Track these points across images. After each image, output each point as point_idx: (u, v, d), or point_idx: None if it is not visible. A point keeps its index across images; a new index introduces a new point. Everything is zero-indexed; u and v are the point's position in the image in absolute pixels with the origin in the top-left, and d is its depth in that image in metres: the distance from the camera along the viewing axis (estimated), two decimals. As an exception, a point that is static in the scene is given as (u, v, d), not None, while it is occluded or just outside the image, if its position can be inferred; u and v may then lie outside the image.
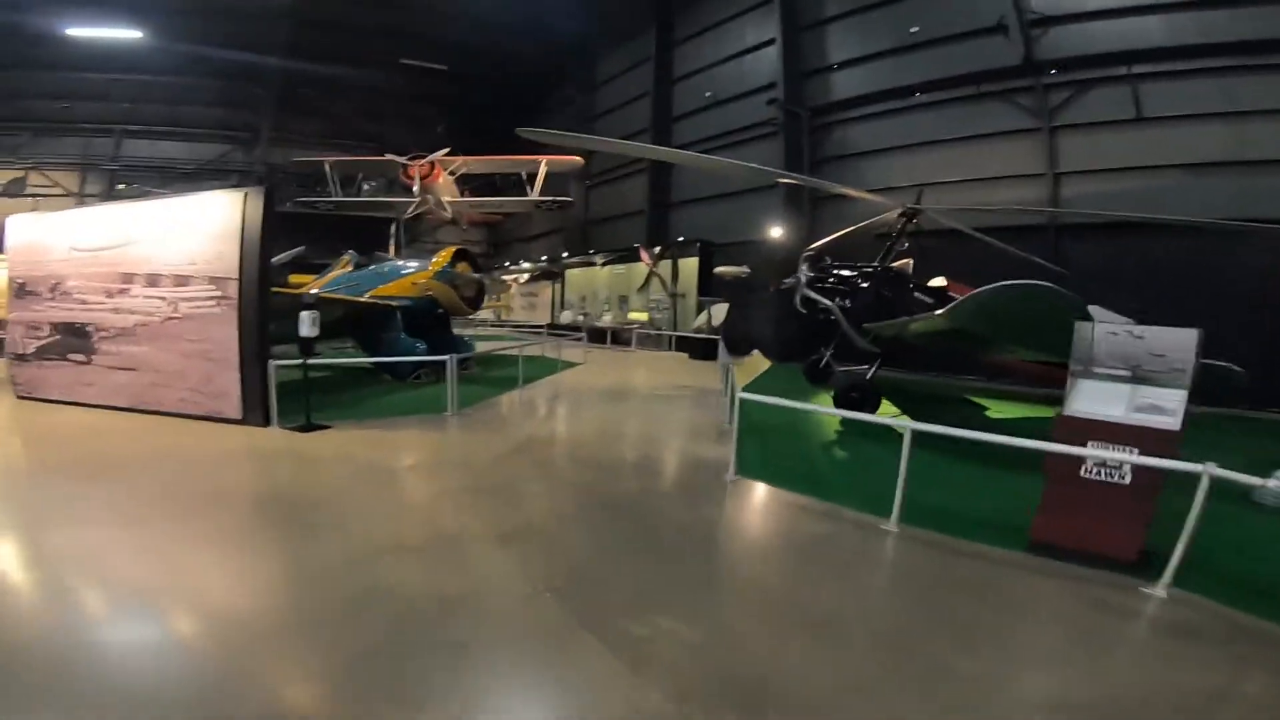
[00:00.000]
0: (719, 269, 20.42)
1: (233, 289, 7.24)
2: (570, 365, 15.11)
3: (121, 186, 31.09)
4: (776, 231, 20.25)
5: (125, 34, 26.12)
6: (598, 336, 24.27)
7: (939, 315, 7.36)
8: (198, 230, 7.51)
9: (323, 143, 32.59)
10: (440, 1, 28.60)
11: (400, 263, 12.77)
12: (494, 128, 33.93)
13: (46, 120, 30.48)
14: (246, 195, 7.27)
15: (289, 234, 27.16)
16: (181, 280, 7.63)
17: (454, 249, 12.07)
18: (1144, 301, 10.82)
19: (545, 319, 31.97)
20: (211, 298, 7.40)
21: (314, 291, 13.28)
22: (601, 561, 3.99)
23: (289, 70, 30.72)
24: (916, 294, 10.94)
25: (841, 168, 21.03)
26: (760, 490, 5.68)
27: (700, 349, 18.88)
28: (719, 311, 19.07)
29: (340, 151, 29.02)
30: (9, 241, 9.00)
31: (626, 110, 29.15)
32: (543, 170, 25.82)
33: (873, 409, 9.56)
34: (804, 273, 11.24)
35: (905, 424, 4.79)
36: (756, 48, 23.37)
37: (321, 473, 5.80)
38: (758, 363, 7.09)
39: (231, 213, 7.28)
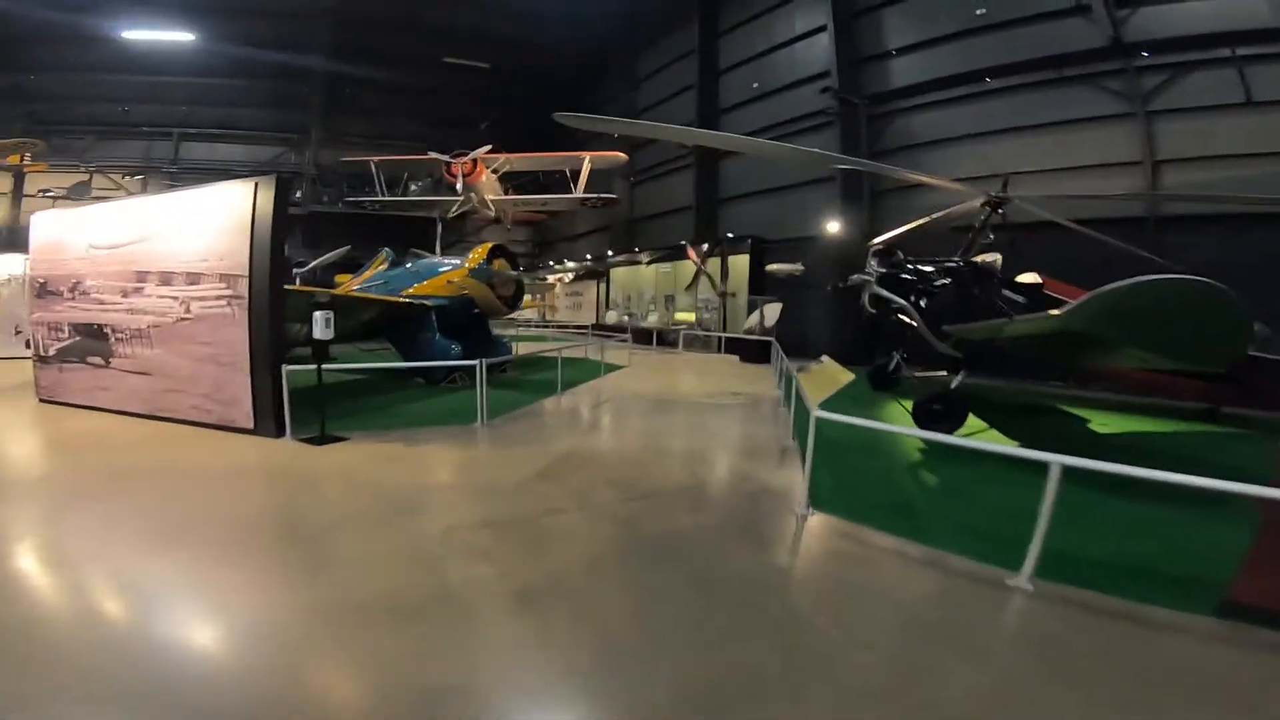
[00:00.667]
0: (771, 266, 19.17)
1: (243, 287, 6.60)
2: (614, 368, 14.22)
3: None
4: (834, 226, 18.88)
5: (178, 36, 26.69)
6: (643, 337, 23.37)
7: (1054, 316, 6.09)
8: (209, 224, 6.91)
9: (370, 143, 32.75)
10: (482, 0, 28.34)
11: (435, 261, 12.13)
12: (536, 126, 33.56)
13: (108, 124, 31.60)
14: (257, 185, 6.61)
15: (339, 234, 27.40)
16: (193, 278, 7.05)
17: (490, 246, 11.35)
18: (1262, 298, 9.28)
19: (590, 319, 31.36)
20: (222, 297, 6.78)
21: (344, 290, 12.84)
22: (645, 636, 3.02)
23: (334, 71, 31.05)
24: (1006, 292, 9.57)
25: (904, 159, 19.47)
26: (841, 529, 4.61)
27: (752, 351, 17.73)
28: (772, 311, 17.94)
29: (387, 151, 29.01)
30: (33, 239, 8.69)
31: (670, 104, 28.20)
32: (586, 167, 25.14)
33: (958, 423, 8.31)
34: (873, 268, 10.00)
35: (1052, 458, 3.64)
36: (806, 35, 22.06)
37: (322, 498, 5.03)
38: (832, 372, 5.97)
39: (242, 204, 6.64)
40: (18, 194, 29.27)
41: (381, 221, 30.38)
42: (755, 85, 23.99)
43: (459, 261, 11.39)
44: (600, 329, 28.12)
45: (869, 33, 20.28)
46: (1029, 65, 17.31)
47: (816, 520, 4.77)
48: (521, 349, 17.88)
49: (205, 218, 6.92)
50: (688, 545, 4.22)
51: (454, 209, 26.35)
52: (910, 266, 9.87)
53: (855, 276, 10.27)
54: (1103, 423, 9.78)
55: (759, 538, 4.48)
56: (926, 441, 6.66)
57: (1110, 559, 4.04)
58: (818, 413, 4.94)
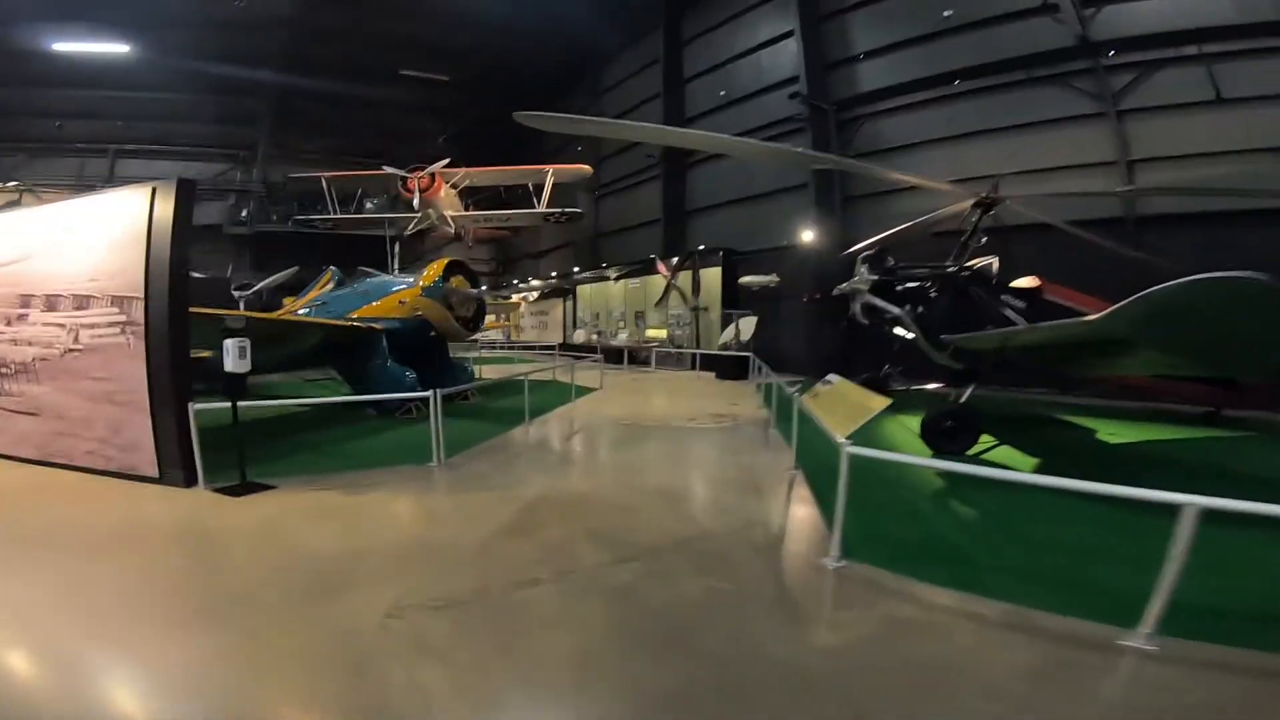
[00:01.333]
0: (744, 279, 18.60)
1: (138, 311, 5.45)
2: (585, 391, 13.24)
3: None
4: (807, 235, 18.36)
5: (113, 49, 25.04)
6: (614, 356, 22.46)
7: (1088, 321, 5.39)
8: (99, 238, 5.76)
9: (324, 160, 31.34)
10: (441, 10, 27.37)
11: (386, 279, 11.04)
12: (498, 140, 32.73)
13: (40, 140, 29.57)
14: (155, 190, 5.50)
15: (290, 255, 25.81)
16: (81, 302, 5.86)
17: (446, 262, 10.32)
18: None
19: (557, 338, 30.36)
20: (115, 323, 5.62)
21: (283, 314, 11.64)
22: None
23: (286, 84, 29.64)
24: (1005, 297, 8.97)
25: (875, 163, 19.11)
26: (885, 584, 3.73)
27: (729, 367, 16.97)
28: (747, 325, 17.24)
29: (341, 168, 27.68)
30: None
31: (636, 114, 27.56)
32: (549, 180, 24.29)
33: (971, 442, 7.59)
34: (864, 275, 9.30)
35: (1184, 499, 2.83)
36: (773, 41, 21.77)
37: (227, 568, 3.95)
38: (854, 395, 5.07)
39: (137, 214, 5.51)
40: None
41: (335, 241, 28.95)
42: (722, 93, 23.60)
43: (412, 280, 10.32)
44: (568, 349, 27.13)
45: (836, 37, 20.02)
46: (997, 67, 17.22)
47: (852, 574, 3.88)
48: (486, 372, 16.82)
49: (94, 231, 5.77)
50: (703, 625, 3.27)
51: (411, 226, 25.17)
52: (904, 273, 9.20)
53: (845, 285, 9.58)
54: (1111, 432, 9.21)
55: (789, 606, 3.57)
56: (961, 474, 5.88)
57: (1237, 605, 3.27)
58: (851, 449, 4.06)
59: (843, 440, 4.06)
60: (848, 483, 4.02)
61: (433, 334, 10.39)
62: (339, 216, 26.22)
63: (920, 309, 8.89)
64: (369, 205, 29.71)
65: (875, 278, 9.05)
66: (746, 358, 16.41)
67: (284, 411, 9.79)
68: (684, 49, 25.50)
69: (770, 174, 21.29)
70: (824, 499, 5.33)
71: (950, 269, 9.07)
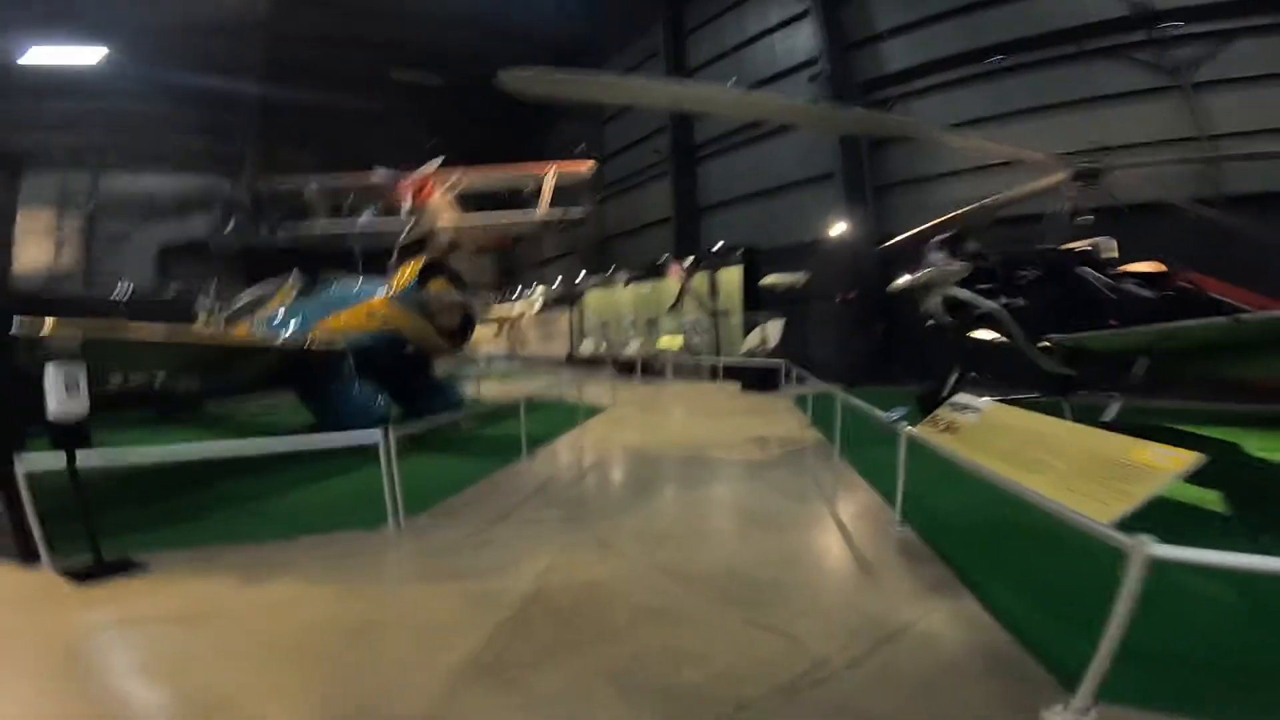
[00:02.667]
0: (768, 279, 16.73)
1: (-73, 326, 3.67)
2: (594, 411, 11.40)
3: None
4: (837, 229, 16.51)
5: (86, 53, 23.61)
6: (625, 368, 20.62)
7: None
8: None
9: (315, 170, 29.93)
10: (430, 10, 26.02)
11: (353, 286, 9.23)
12: (494, 144, 31.10)
13: (18, 154, 28.13)
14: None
15: (281, 270, 24.14)
16: None
17: (422, 263, 8.51)
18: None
19: (563, 350, 28.61)
20: (-96, 346, 3.83)
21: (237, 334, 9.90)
22: None
23: (270, 91, 28.16)
24: (1131, 286, 7.07)
25: (909, 149, 17.33)
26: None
27: (755, 377, 15.06)
28: (775, 329, 15.36)
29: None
30: None
31: (637, 111, 25.95)
32: (550, 181, 22.56)
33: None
34: (946, 264, 7.40)
35: None
36: (787, 23, 20.05)
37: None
38: (1065, 439, 3.20)
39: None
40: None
41: (328, 255, 27.31)
42: (732, 82, 21.81)
43: (382, 285, 8.51)
44: (576, 361, 25.39)
45: (857, 15, 18.24)
46: (1043, 40, 15.42)
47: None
48: (486, 389, 15.07)
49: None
50: None
51: (404, 235, 23.45)
52: (995, 258, 7.31)
53: (919, 275, 7.65)
54: (1264, 447, 7.23)
55: None
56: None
57: None
58: (1158, 549, 2.10)
59: (1111, 529, 2.14)
60: (1129, 606, 2.09)
61: (409, 349, 8.56)
62: (348, 228, 24.57)
63: (1021, 302, 6.99)
64: (365, 216, 28.13)
65: (961, 265, 7.11)
66: (776, 366, 14.52)
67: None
68: (688, 38, 23.93)
69: (791, 163, 19.50)
70: (974, 579, 3.51)
71: (1062, 252, 7.18)
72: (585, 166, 23.43)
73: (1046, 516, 2.72)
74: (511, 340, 36.26)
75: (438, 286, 8.50)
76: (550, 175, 22.62)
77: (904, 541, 4.47)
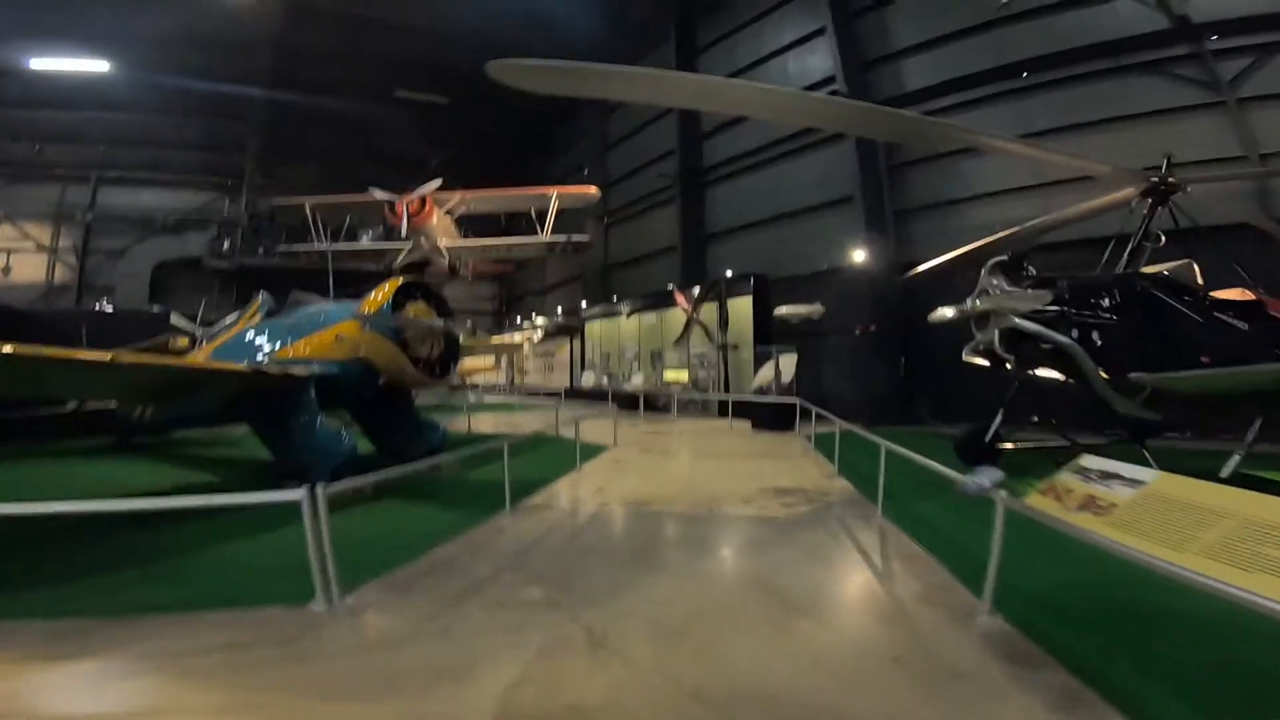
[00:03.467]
0: (781, 310, 15.71)
1: None
2: (593, 452, 10.27)
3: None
4: (856, 256, 15.56)
5: (91, 66, 23.25)
6: (627, 402, 19.51)
7: None
8: None
9: (317, 189, 29.45)
10: (435, 29, 25.60)
11: (321, 308, 8.20)
12: (498, 166, 30.60)
13: (18, 164, 27.69)
14: None
15: (276, 291, 23.31)
16: None
17: (398, 283, 7.48)
18: None
19: (564, 381, 27.55)
20: None
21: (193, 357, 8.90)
22: None
23: (274, 108, 27.88)
24: (1222, 315, 5.99)
25: (933, 170, 16.51)
26: None
27: (770, 416, 13.90)
28: (788, 364, 14.28)
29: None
30: None
31: (648, 132, 25.61)
32: (554, 204, 21.78)
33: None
34: (1000, 289, 6.33)
35: None
36: (802, 41, 19.50)
37: None
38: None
39: None
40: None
41: (325, 277, 26.50)
42: None
43: (352, 308, 7.46)
44: (577, 394, 24.32)
45: (874, 32, 17.67)
46: (1074, 55, 14.69)
47: None
48: (479, 424, 14.02)
49: None
50: None
51: (401, 257, 22.66)
52: (1065, 285, 6.23)
53: (970, 304, 6.56)
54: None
55: None
56: None
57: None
58: None
59: None
60: None
61: (381, 381, 7.48)
62: (325, 247, 23.75)
63: (1094, 335, 5.90)
64: (365, 237, 27.41)
65: (1037, 293, 6.02)
66: (791, 404, 13.40)
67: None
68: (699, 57, 23.44)
69: (806, 186, 18.70)
70: (1123, 691, 2.37)
71: (1135, 279, 6.12)
72: (589, 191, 22.72)
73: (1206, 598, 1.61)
74: (511, 371, 35.35)
75: (416, 311, 7.45)
76: (553, 199, 21.89)
77: (996, 634, 3.31)
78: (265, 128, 29.01)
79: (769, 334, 16.33)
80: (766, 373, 14.53)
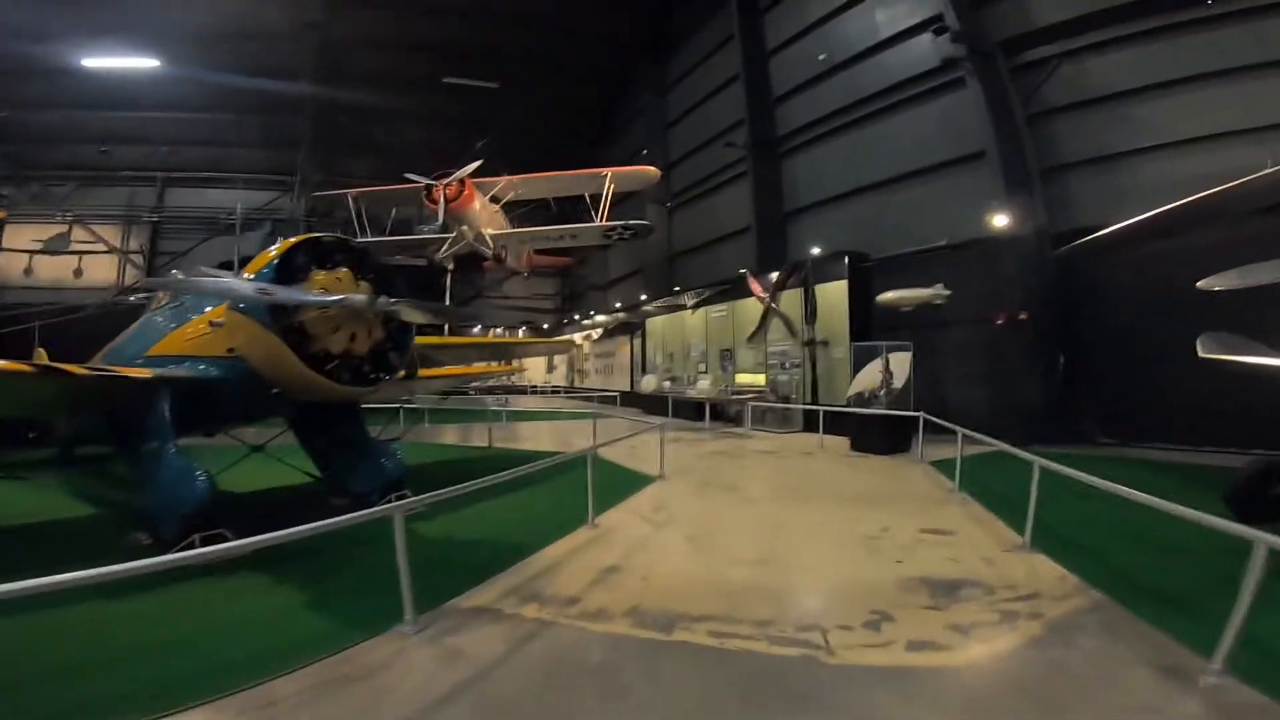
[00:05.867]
0: (887, 296, 12.11)
1: None
2: (630, 486, 7.30)
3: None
4: (993, 224, 11.78)
5: (141, 63, 22.62)
6: (688, 410, 16.48)
7: None
8: None
9: (369, 183, 28.36)
10: (482, 10, 23.82)
11: (214, 284, 5.58)
12: (554, 158, 28.36)
13: (88, 168, 27.98)
14: None
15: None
16: None
17: (293, 242, 4.78)
18: None
19: (624, 384, 24.77)
20: None
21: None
22: None
23: (323, 101, 26.84)
24: None
25: (1094, 117, 12.46)
26: None
27: (873, 432, 10.41)
28: (900, 365, 10.73)
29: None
30: None
31: (713, 104, 22.59)
32: (609, 186, 18.99)
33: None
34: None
35: None
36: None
37: None
38: None
39: None
40: (-7, 246, 25.77)
41: (393, 272, 25.13)
42: (822, 58, 17.83)
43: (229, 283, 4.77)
44: (635, 399, 21.51)
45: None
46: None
47: None
48: (506, 437, 11.41)
49: None
50: None
51: (445, 248, 20.53)
52: None
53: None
54: None
55: None
56: None
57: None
58: None
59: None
60: None
61: (275, 390, 4.76)
62: (367, 240, 22.04)
63: None
64: (423, 228, 25.78)
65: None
66: (908, 416, 9.90)
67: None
68: (764, 17, 20.21)
69: (912, 147, 15.04)
70: None
71: None
72: (648, 171, 19.78)
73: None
74: (570, 373, 32.93)
75: (323, 281, 4.67)
76: (608, 181, 19.09)
77: None
78: (317, 122, 28.09)
79: (870, 326, 12.72)
80: (870, 375, 10.99)
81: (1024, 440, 7.79)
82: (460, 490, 4.24)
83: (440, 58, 25.75)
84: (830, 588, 4.29)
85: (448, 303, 27.32)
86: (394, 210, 23.41)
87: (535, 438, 13.77)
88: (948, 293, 11.24)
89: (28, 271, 27.31)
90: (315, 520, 3.23)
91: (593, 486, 5.68)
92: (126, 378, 4.51)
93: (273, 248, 4.72)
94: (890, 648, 3.35)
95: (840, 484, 8.14)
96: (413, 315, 5.05)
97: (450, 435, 14.05)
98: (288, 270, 4.56)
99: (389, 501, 5.70)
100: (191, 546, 4.07)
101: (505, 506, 6.31)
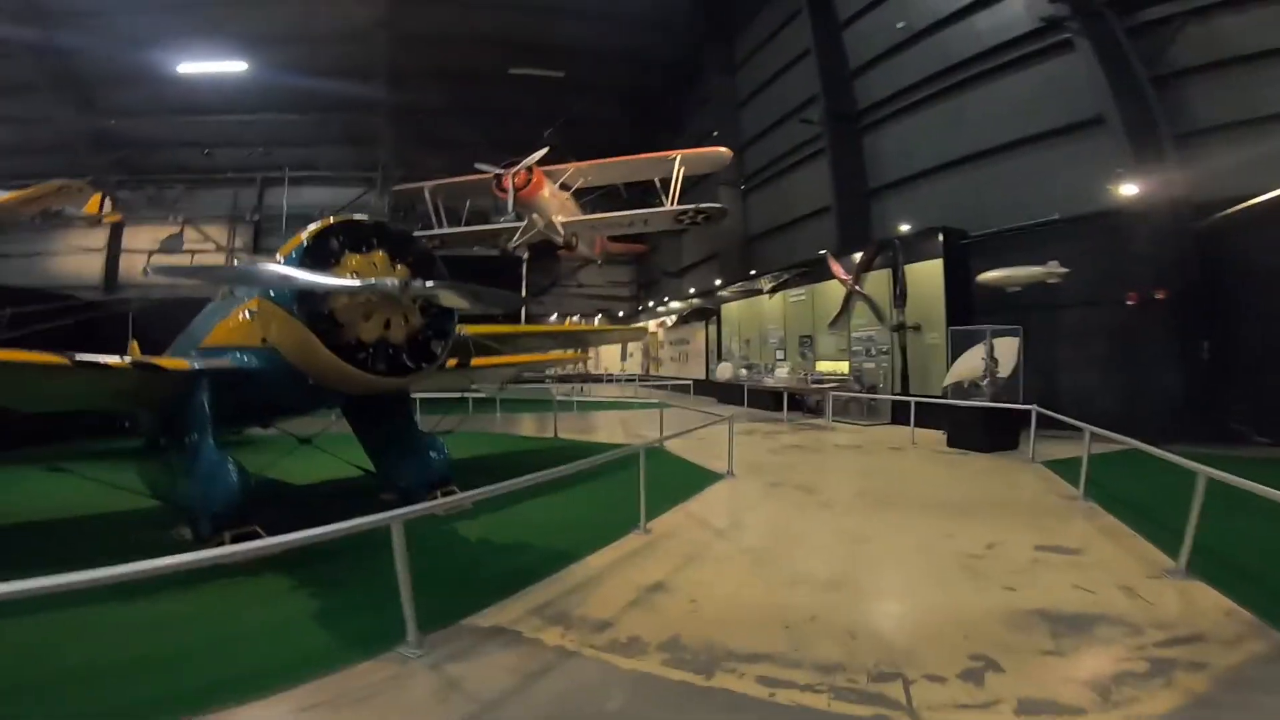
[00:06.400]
0: (990, 275, 10.80)
1: None
2: (693, 485, 6.74)
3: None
4: (1120, 194, 10.26)
5: (231, 66, 24.09)
6: (763, 399, 15.69)
7: None
8: None
9: (444, 176, 29.20)
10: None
11: (258, 272, 5.47)
12: (623, 147, 27.96)
13: (194, 170, 30.27)
14: None
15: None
16: None
17: (324, 225, 4.51)
18: None
19: (699, 372, 24.23)
20: None
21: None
22: None
23: (396, 97, 27.74)
24: None
25: (1232, 78, 10.56)
26: None
27: (973, 426, 9.29)
28: (1007, 351, 9.53)
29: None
30: None
31: (784, 81, 21.30)
32: (678, 170, 18.31)
33: None
34: None
35: None
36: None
37: None
38: None
39: None
40: (114, 248, 28.36)
41: (465, 264, 25.81)
42: (901, 26, 16.35)
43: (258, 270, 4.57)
44: (710, 387, 20.93)
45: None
46: None
47: None
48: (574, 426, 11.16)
49: None
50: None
51: (517, 237, 20.59)
52: None
53: None
54: None
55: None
56: None
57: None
58: None
59: None
60: None
61: (310, 381, 4.54)
62: (443, 232, 22.50)
63: None
64: (500, 218, 26.18)
65: None
66: (1018, 410, 8.75)
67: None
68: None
69: (1013, 115, 13.50)
70: None
71: None
72: (719, 152, 18.95)
73: None
74: (645, 362, 32.60)
75: (360, 266, 4.39)
76: (677, 164, 18.41)
77: None
78: (393, 119, 29.18)
79: (968, 309, 11.43)
80: (970, 363, 9.75)
81: (1159, 438, 6.55)
82: (476, 495, 3.87)
83: (505, 51, 25.94)
84: (919, 622, 3.56)
85: (523, 293, 27.73)
86: (468, 202, 23.78)
87: (603, 429, 13.46)
88: (1064, 270, 9.84)
89: (145, 272, 29.99)
90: (357, 516, 2.94)
91: (644, 487, 5.15)
92: (163, 369, 4.44)
93: (305, 230, 4.48)
94: (995, 710, 2.62)
95: (935, 487, 7.19)
96: (452, 300, 4.70)
97: (517, 426, 13.95)
98: (319, 254, 4.30)
99: (435, 498, 5.49)
100: (222, 544, 3.95)
101: (555, 505, 5.91)
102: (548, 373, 28.16)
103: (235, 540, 4.13)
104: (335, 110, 28.24)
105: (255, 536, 4.15)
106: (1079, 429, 6.66)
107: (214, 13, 22.75)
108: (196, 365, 4.62)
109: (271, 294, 4.32)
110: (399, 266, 4.62)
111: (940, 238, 12.22)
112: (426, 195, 21.84)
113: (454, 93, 27.28)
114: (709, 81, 26.05)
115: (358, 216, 4.86)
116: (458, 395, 15.01)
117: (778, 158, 21.69)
